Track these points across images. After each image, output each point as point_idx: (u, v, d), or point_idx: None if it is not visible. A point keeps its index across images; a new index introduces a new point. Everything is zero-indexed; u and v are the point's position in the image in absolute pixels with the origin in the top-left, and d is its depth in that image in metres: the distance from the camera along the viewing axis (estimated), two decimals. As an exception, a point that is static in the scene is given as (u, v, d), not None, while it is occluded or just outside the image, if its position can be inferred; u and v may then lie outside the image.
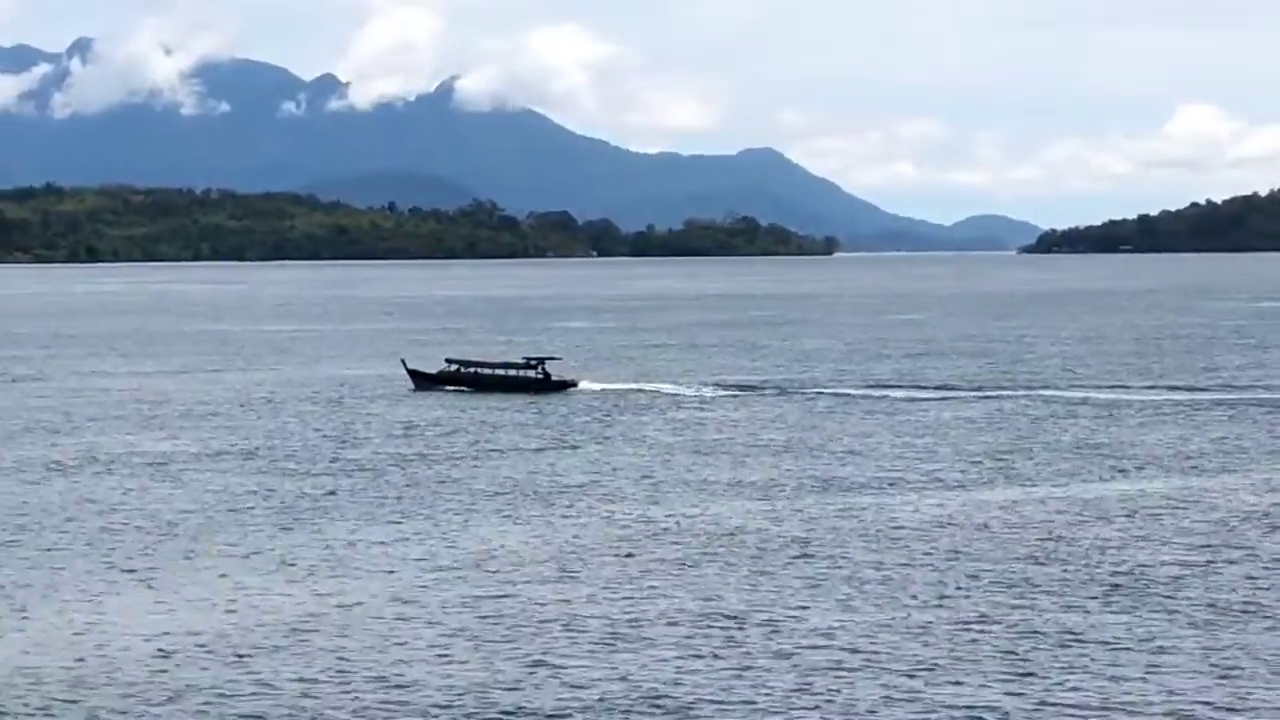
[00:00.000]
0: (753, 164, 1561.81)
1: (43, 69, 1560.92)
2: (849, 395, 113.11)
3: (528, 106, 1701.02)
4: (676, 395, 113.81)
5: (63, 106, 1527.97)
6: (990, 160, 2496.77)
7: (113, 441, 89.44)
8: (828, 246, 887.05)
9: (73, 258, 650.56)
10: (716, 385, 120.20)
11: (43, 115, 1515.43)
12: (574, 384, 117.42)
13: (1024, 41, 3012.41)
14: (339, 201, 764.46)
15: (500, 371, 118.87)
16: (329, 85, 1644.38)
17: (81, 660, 43.26)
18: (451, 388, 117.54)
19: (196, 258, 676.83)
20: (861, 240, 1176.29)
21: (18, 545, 59.29)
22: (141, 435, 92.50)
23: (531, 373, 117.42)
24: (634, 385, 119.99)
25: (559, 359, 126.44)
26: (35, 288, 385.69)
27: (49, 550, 58.30)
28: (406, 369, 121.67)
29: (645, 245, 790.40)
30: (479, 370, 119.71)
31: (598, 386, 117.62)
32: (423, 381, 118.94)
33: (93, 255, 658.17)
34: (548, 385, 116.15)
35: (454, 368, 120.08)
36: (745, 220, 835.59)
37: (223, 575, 53.65)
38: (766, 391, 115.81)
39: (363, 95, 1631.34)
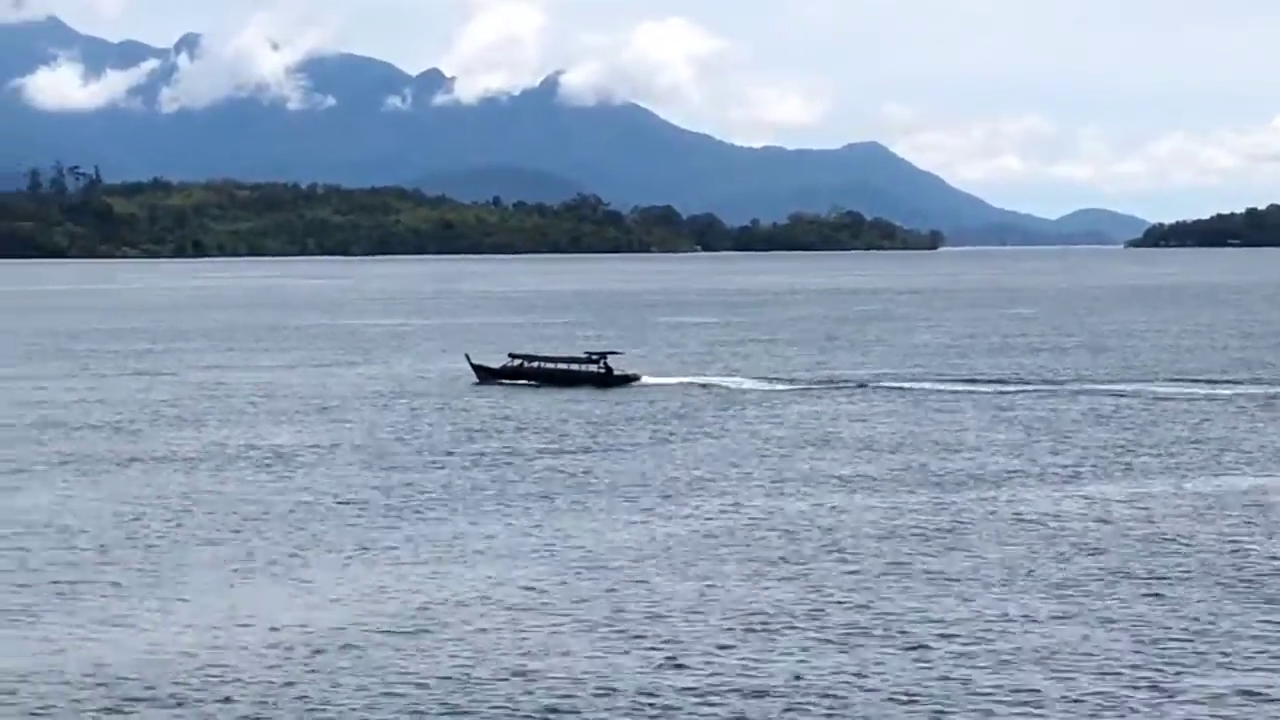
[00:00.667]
0: (857, 158, 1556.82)
1: (151, 64, 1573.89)
2: (961, 390, 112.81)
3: (632, 101, 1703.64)
4: (786, 390, 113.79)
5: (170, 101, 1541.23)
6: (1096, 154, 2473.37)
7: (234, 434, 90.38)
8: (932, 241, 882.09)
9: (179, 252, 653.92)
10: (829, 381, 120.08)
11: (150, 110, 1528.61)
12: (636, 378, 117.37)
13: (1129, 36, 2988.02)
14: (444, 196, 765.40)
15: (563, 366, 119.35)
16: (434, 80, 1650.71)
17: (213, 649, 43.95)
18: (514, 382, 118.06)
19: (302, 252, 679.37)
20: (966, 234, 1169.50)
21: (144, 537, 60.11)
22: (261, 428, 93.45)
23: (593, 367, 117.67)
24: (703, 379, 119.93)
25: (621, 353, 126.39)
26: (146, 282, 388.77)
27: (175, 543, 59.10)
28: (471, 364, 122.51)
29: (749, 240, 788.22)
30: (542, 364, 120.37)
31: (658, 381, 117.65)
32: (486, 376, 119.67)
33: (199, 250, 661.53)
34: (609, 379, 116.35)
35: (517, 362, 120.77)
36: (850, 215, 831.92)
37: (345, 567, 54.34)
38: (878, 386, 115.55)
39: (468, 90, 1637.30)
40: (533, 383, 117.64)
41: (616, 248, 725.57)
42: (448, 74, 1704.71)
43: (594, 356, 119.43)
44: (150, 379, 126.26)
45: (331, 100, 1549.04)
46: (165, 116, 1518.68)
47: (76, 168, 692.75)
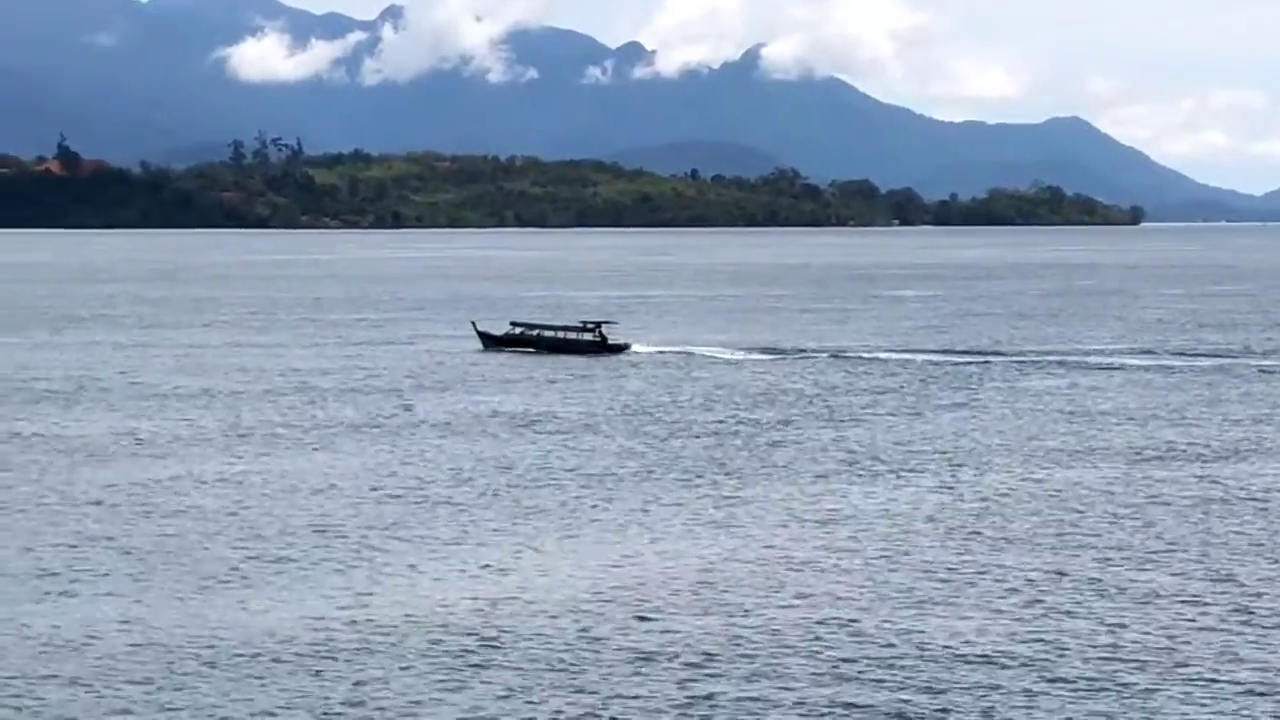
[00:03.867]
0: (1058, 132, 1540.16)
1: (356, 36, 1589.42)
2: (1192, 365, 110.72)
3: (832, 74, 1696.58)
4: (1018, 364, 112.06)
5: (373, 73, 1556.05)
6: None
7: (482, 400, 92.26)
8: (1133, 216, 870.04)
9: (378, 224, 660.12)
10: (1061, 354, 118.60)
11: (353, 82, 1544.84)
12: (627, 346, 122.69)
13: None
14: (642, 169, 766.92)
15: (560, 334, 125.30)
16: (634, 52, 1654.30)
17: (492, 605, 45.63)
18: (515, 348, 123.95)
19: (500, 224, 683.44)
20: (1169, 210, 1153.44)
21: (426, 501, 61.69)
22: (505, 397, 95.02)
23: (588, 335, 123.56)
24: (684, 349, 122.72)
25: (615, 323, 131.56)
26: (362, 253, 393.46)
27: (457, 506, 60.86)
28: (476, 331, 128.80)
29: (947, 214, 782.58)
30: (541, 332, 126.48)
31: (648, 349, 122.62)
32: (490, 342, 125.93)
33: (398, 221, 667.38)
34: (602, 347, 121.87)
35: (518, 330, 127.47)
36: (1050, 190, 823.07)
37: (619, 530, 55.84)
38: (1104, 359, 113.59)
39: (668, 62, 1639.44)
40: (531, 349, 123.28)
41: (813, 221, 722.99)
42: (648, 47, 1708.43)
43: (589, 325, 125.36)
44: (389, 348, 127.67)
45: (533, 72, 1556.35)
46: (368, 88, 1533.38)
47: (279, 139, 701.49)
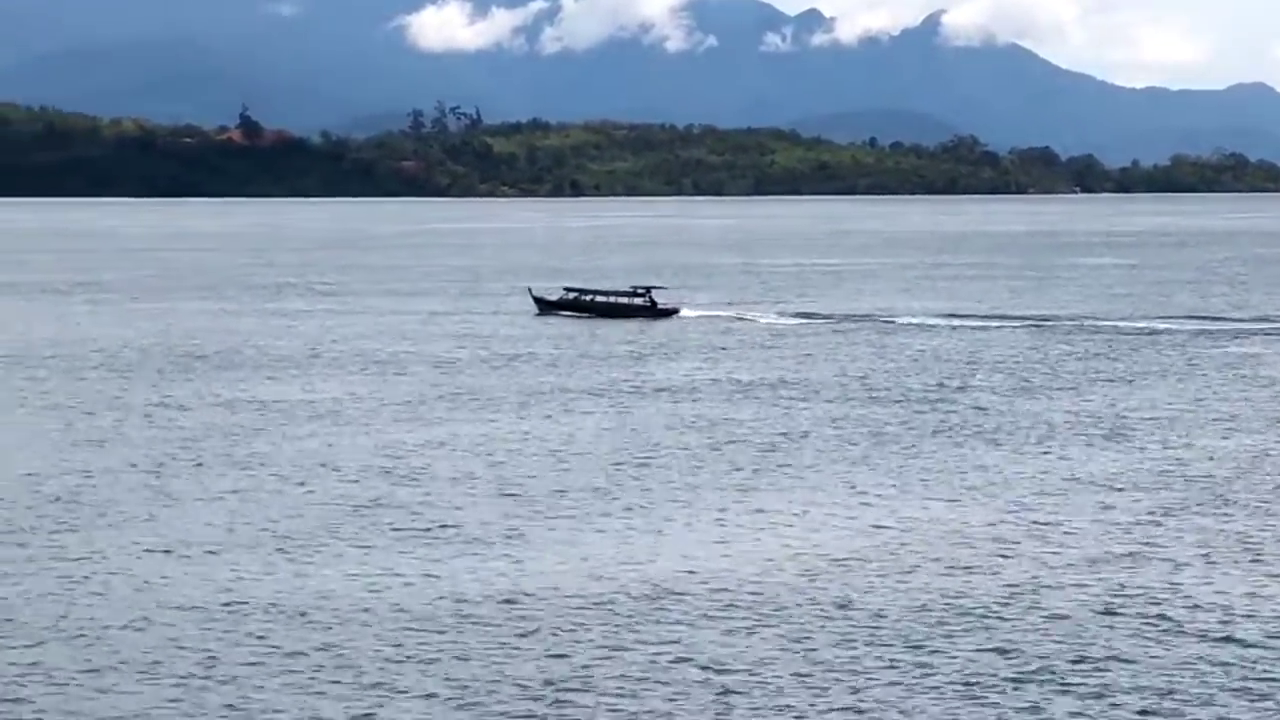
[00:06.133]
0: (1243, 99, 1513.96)
1: (537, 4, 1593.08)
2: None
3: (1013, 41, 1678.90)
4: (1221, 331, 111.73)
5: (553, 41, 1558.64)
6: None
7: (692, 370, 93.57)
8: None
9: (556, 192, 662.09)
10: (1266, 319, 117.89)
11: (533, 50, 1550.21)
12: (676, 311, 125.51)
13: None
14: (819, 137, 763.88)
15: (611, 299, 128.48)
16: (813, 20, 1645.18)
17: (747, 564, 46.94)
18: (569, 313, 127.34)
19: (677, 193, 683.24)
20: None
21: (648, 466, 63.17)
22: (710, 366, 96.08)
23: (639, 300, 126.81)
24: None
25: (665, 287, 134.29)
26: (542, 221, 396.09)
27: (670, 470, 62.36)
28: (532, 296, 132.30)
29: (1129, 181, 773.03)
30: (595, 297, 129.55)
31: (696, 314, 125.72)
32: (545, 307, 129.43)
33: (575, 190, 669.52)
34: (653, 311, 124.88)
35: (572, 295, 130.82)
36: (1233, 156, 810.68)
37: (819, 497, 56.67)
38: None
39: (848, 30, 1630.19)
40: (585, 314, 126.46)
41: (993, 189, 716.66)
42: (827, 14, 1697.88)
43: (639, 290, 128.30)
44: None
45: (712, 40, 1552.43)
46: (547, 57, 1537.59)
47: (458, 108, 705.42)
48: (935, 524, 51.60)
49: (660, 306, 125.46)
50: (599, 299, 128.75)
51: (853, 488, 57.67)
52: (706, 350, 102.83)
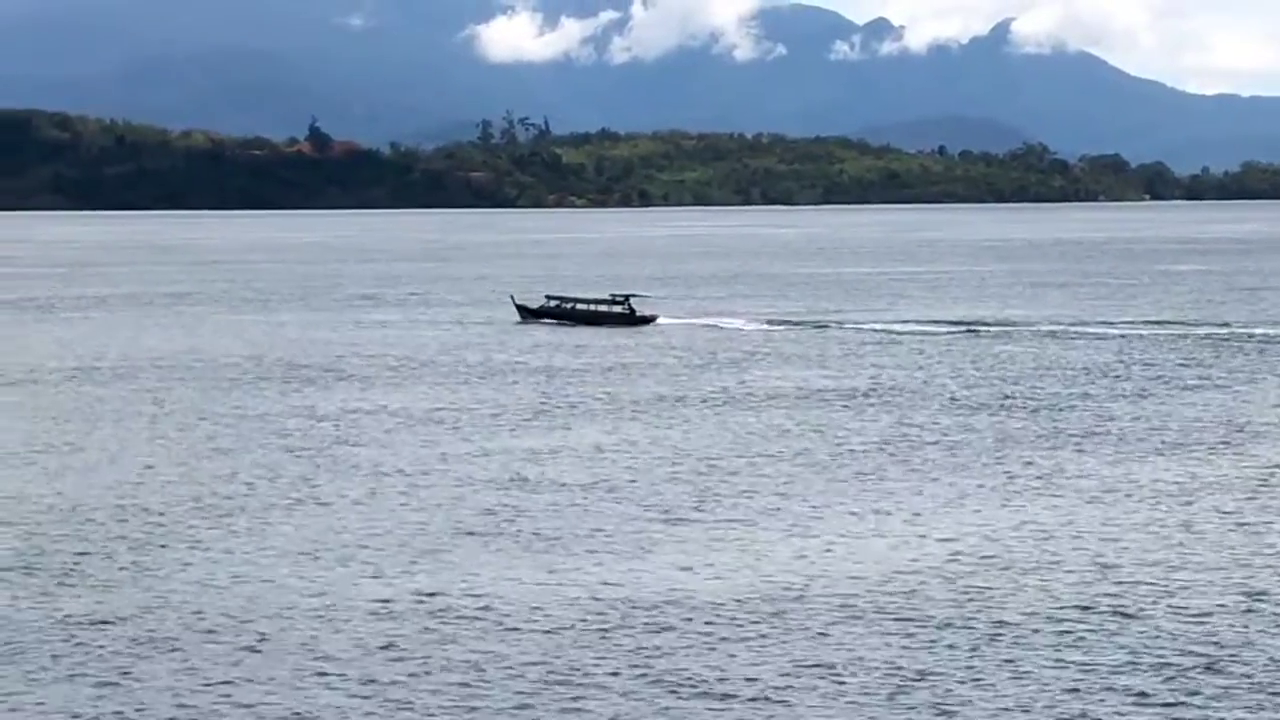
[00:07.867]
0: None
1: (607, 15, 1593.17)
2: None
3: (1083, 48, 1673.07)
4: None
5: (621, 51, 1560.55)
6: None
7: (769, 376, 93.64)
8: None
9: (624, 202, 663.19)
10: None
11: (602, 60, 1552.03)
12: (654, 319, 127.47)
13: None
14: (888, 145, 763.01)
15: (590, 307, 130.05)
16: (882, 28, 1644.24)
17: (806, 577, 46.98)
18: (550, 321, 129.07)
19: (746, 202, 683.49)
20: None
21: (747, 474, 63.18)
22: (791, 371, 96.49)
23: (618, 308, 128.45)
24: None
25: (647, 296, 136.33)
26: (615, 230, 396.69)
27: (770, 476, 62.48)
28: (515, 304, 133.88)
29: (1200, 189, 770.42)
30: (575, 305, 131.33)
31: (675, 321, 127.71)
32: (527, 315, 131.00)
33: (644, 200, 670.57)
34: (631, 319, 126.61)
35: (553, 303, 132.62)
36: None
37: (902, 505, 56.47)
38: None
39: (916, 38, 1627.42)
40: (565, 322, 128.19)
41: (1063, 197, 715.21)
42: (896, 23, 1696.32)
43: (618, 298, 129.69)
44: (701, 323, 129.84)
45: (781, 49, 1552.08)
46: (616, 66, 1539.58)
47: (526, 118, 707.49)
48: (1069, 528, 51.79)
49: (638, 315, 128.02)
50: (579, 307, 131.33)
51: (982, 487, 57.87)
52: (857, 357, 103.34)
